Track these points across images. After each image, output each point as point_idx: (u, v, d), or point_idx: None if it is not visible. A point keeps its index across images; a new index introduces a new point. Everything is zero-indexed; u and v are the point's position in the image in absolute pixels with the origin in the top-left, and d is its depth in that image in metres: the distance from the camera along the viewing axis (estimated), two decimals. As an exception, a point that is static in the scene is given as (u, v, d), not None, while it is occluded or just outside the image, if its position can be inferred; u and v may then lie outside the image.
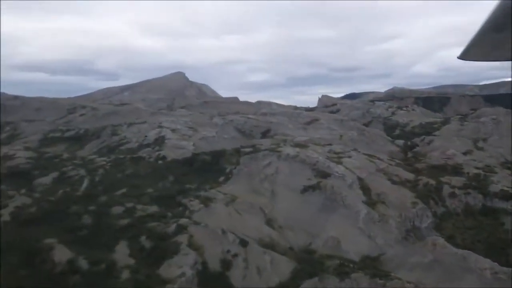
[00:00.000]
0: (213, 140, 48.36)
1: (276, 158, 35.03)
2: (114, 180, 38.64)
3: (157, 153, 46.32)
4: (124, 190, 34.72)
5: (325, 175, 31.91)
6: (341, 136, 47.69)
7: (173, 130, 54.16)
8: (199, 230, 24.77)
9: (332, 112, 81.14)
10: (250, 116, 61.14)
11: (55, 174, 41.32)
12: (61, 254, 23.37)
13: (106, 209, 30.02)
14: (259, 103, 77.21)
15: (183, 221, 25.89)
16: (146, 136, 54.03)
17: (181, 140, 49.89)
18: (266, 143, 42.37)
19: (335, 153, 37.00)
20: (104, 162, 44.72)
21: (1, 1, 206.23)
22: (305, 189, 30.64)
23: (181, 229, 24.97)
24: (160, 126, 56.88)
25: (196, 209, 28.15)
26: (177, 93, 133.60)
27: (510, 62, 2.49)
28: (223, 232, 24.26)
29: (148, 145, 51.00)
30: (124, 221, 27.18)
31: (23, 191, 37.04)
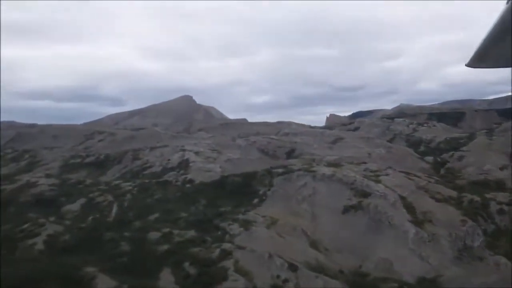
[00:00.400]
0: (239, 162, 47.89)
1: (312, 179, 34.37)
2: (144, 205, 38.15)
3: (183, 176, 45.94)
4: (156, 215, 34.18)
5: (365, 194, 31.12)
6: (369, 154, 46.94)
7: (197, 153, 53.90)
8: (244, 255, 24.00)
9: (350, 130, 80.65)
10: (273, 136, 60.83)
11: (82, 201, 40.99)
12: (104, 282, 22.69)
13: (142, 235, 29.41)
14: (280, 123, 77.04)
15: (226, 245, 25.16)
16: (169, 160, 53.81)
17: (206, 163, 49.51)
18: (296, 163, 41.74)
19: (371, 171, 36.25)
20: (130, 187, 44.36)
21: (2, 30, 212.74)
22: (346, 210, 29.83)
23: (226, 254, 24.23)
24: (182, 149, 56.68)
25: (237, 232, 27.43)
26: (186, 116, 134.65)
27: None
28: (270, 256, 23.46)
29: (172, 169, 50.69)
30: (164, 247, 26.51)
31: (52, 218, 36.64)
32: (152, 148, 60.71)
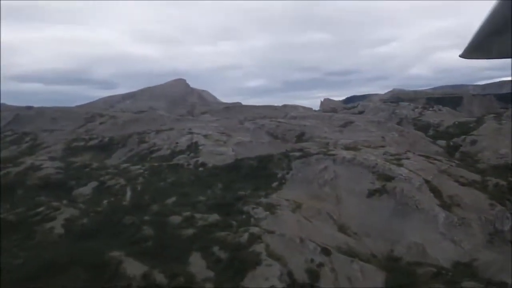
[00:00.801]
0: (250, 145, 47.24)
1: (332, 162, 33.88)
2: (158, 188, 37.51)
3: (194, 159, 45.26)
4: (173, 198, 33.56)
5: (388, 178, 30.72)
6: (383, 138, 46.52)
7: (205, 136, 53.10)
8: (274, 239, 23.57)
9: (354, 113, 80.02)
10: (280, 120, 60.13)
11: (93, 184, 40.24)
12: (133, 267, 22.19)
13: (163, 219, 28.85)
14: (285, 106, 76.22)
15: (254, 230, 24.68)
16: (177, 143, 52.98)
17: (216, 146, 48.78)
18: (312, 146, 41.22)
19: (391, 155, 35.83)
20: (141, 171, 43.63)
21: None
22: (371, 193, 29.44)
23: (255, 238, 23.76)
24: (190, 132, 55.81)
25: (262, 216, 26.95)
26: (180, 99, 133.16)
27: (509, 61, 2.44)
28: (301, 240, 23.05)
29: (181, 152, 49.93)
30: (188, 231, 26.00)
31: (64, 202, 35.91)
32: (158, 131, 59.74)
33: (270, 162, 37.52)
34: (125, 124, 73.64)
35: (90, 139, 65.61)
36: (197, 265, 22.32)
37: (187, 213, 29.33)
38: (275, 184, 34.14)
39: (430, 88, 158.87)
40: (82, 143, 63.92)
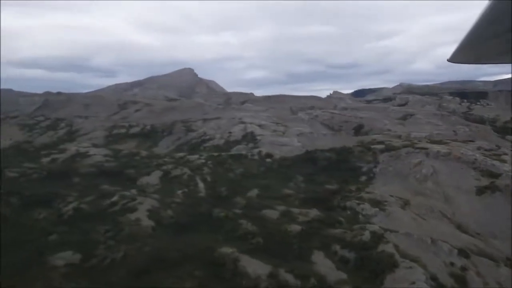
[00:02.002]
0: (313, 137, 45.51)
1: (425, 156, 32.04)
2: (231, 180, 35.89)
3: (256, 150, 43.58)
4: (255, 191, 31.91)
5: (493, 174, 28.90)
6: (454, 131, 44.57)
7: (260, 126, 51.36)
8: (400, 239, 21.86)
9: (401, 105, 77.84)
10: (333, 111, 58.24)
11: (158, 173, 38.64)
12: (253, 266, 20.59)
13: (257, 213, 27.24)
14: (330, 97, 74.23)
15: (374, 228, 22.98)
16: (230, 132, 51.31)
17: (275, 136, 47.07)
18: (384, 139, 39.36)
19: (485, 150, 33.96)
20: (203, 161, 41.97)
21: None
22: (481, 191, 27.64)
23: (378, 237, 22.06)
24: (242, 122, 54.07)
25: (371, 213, 25.25)
26: (188, 89, 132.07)
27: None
28: (433, 241, 21.31)
29: (237, 142, 48.29)
30: (294, 227, 24.34)
31: (133, 191, 34.36)
32: (205, 120, 58.02)
33: (350, 155, 35.73)
34: (162, 111, 72.11)
35: (131, 126, 64.09)
36: (323, 264, 20.67)
37: (282, 208, 27.70)
38: (363, 178, 32.35)
39: (439, 83, 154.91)
40: (123, 131, 62.43)
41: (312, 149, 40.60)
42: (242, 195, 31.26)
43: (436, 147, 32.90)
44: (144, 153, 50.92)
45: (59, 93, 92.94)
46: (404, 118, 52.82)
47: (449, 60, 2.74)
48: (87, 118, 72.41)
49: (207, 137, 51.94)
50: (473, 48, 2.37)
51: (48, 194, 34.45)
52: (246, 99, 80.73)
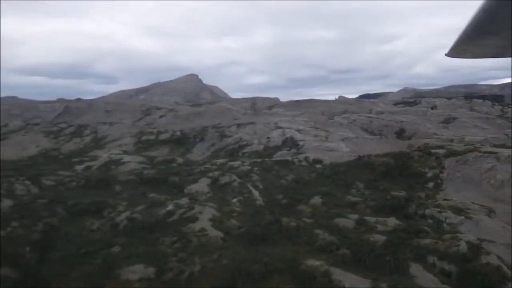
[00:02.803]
0: (359, 142, 44.22)
1: (496, 161, 30.66)
2: (285, 187, 34.64)
3: (301, 156, 42.33)
4: (317, 198, 30.61)
5: None
6: (506, 135, 43.14)
7: (299, 131, 50.15)
8: (501, 250, 20.45)
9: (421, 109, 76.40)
10: (370, 115, 56.97)
11: (206, 181, 37.42)
12: (349, 280, 19.25)
13: (330, 222, 25.94)
14: (360, 101, 73.00)
15: (468, 237, 21.59)
16: (268, 138, 50.11)
17: (318, 141, 45.81)
18: (435, 143, 38.02)
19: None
20: (248, 167, 40.74)
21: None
22: None
23: (476, 248, 20.66)
24: (278, 127, 52.89)
25: (456, 221, 23.87)
26: (193, 95, 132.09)
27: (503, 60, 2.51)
28: (540, 252, 19.87)
29: (278, 148, 47.11)
30: (378, 237, 22.99)
31: (185, 199, 33.15)
32: (239, 125, 56.87)
33: (409, 160, 34.37)
34: (189, 117, 71.19)
35: (159, 132, 63.13)
36: (425, 278, 19.28)
37: (354, 216, 26.39)
38: (430, 184, 30.99)
39: (442, 87, 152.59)
40: (152, 137, 61.48)
41: (362, 154, 39.27)
42: (304, 202, 29.96)
43: (506, 152, 31.51)
44: (180, 160, 49.84)
45: (78, 100, 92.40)
46: (447, 121, 51.46)
47: (447, 55, 2.73)
48: (112, 124, 71.57)
49: (244, 142, 50.77)
50: (471, 43, 2.35)
51: (95, 203, 33.38)
52: (272, 103, 79.67)
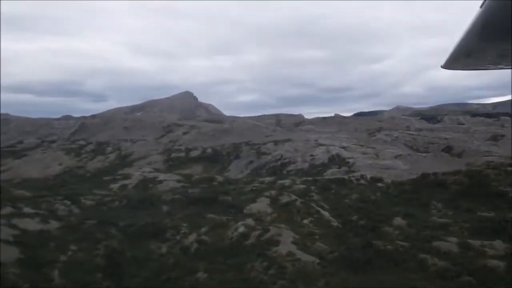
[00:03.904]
0: (412, 159, 42.88)
1: None
2: (354, 206, 32.90)
3: (356, 173, 40.79)
4: (400, 220, 28.91)
5: None
6: None
7: (345, 148, 48.71)
8: None
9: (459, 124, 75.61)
10: (412, 132, 55.85)
11: (265, 200, 35.62)
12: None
13: (426, 245, 24.21)
14: (393, 118, 72.06)
15: None
16: (312, 155, 48.55)
17: (368, 158, 44.37)
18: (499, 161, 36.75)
19: None
20: (302, 186, 39.06)
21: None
22: None
23: None
24: (320, 144, 51.41)
25: None
26: (189, 112, 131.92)
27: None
28: None
29: (325, 165, 45.54)
30: (495, 263, 21.28)
31: (250, 220, 31.27)
32: (276, 142, 55.31)
33: (485, 178, 32.95)
34: (214, 134, 69.68)
35: (188, 149, 61.42)
36: None
37: (452, 239, 24.71)
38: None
39: (436, 105, 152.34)
40: (181, 154, 59.75)
41: (420, 172, 37.87)
42: (386, 224, 28.23)
43: None
44: (219, 178, 48.06)
45: (93, 116, 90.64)
46: (495, 138, 50.32)
47: (443, 67, 2.77)
48: (134, 141, 69.73)
49: (286, 160, 49.19)
50: (466, 54, 2.38)
51: (151, 224, 31.53)
52: (297, 120, 78.46)
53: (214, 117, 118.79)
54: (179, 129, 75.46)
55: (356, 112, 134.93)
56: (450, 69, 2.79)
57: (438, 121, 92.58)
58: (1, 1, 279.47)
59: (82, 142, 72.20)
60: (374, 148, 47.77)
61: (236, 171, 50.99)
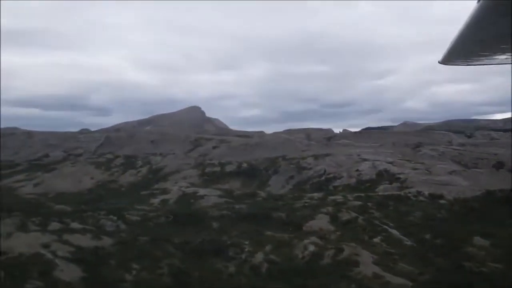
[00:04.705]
0: (468, 175, 41.35)
1: None
2: (422, 225, 31.39)
3: (411, 190, 39.30)
4: (479, 239, 27.35)
5: None
6: None
7: (392, 163, 47.31)
8: None
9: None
10: (456, 147, 54.38)
11: (325, 217, 34.23)
12: None
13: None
14: (428, 132, 70.67)
15: None
16: (358, 170, 47.17)
17: (420, 174, 42.89)
18: None
19: None
20: (358, 202, 37.60)
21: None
22: None
23: None
24: (363, 159, 50.04)
25: None
26: (198, 127, 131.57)
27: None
28: None
29: (374, 181, 44.11)
30: None
31: (314, 239, 29.84)
32: (316, 157, 54.03)
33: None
34: (246, 148, 68.61)
35: (222, 164, 60.28)
36: None
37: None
38: None
39: (442, 121, 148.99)
40: (216, 169, 58.62)
41: (482, 188, 36.33)
42: (466, 243, 26.70)
43: None
44: (262, 193, 46.76)
45: (117, 130, 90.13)
46: (547, 154, 48.64)
47: (440, 62, 2.78)
48: (164, 156, 68.77)
49: (330, 175, 47.84)
50: (463, 50, 2.41)
51: (210, 242, 30.23)
52: (327, 135, 77.29)
53: (222, 131, 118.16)
54: (208, 143, 74.50)
55: (364, 127, 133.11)
56: (448, 65, 2.76)
57: (469, 136, 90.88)
58: (9, 17, 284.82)
59: (109, 156, 71.45)
60: (423, 164, 46.31)
61: (277, 186, 49.70)
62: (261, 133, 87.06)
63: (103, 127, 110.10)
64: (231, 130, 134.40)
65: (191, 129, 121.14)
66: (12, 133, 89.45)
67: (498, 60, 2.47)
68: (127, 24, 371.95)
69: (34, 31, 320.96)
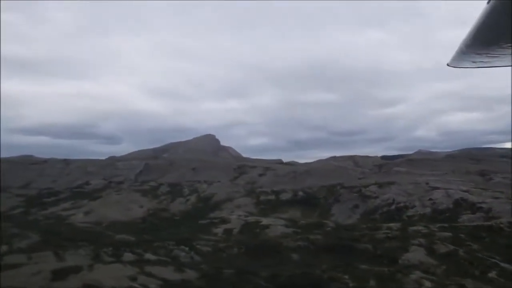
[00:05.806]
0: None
1: None
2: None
3: (501, 220, 37.01)
4: None
5: None
6: None
7: (467, 192, 45.08)
8: None
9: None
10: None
11: (420, 250, 32.11)
12: None
13: None
14: (485, 160, 68.32)
15: None
16: (431, 199, 45.00)
17: (506, 204, 40.54)
18: None
19: None
20: (449, 234, 35.37)
21: (2, 64, 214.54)
22: None
23: None
24: (433, 187, 47.89)
25: None
26: (212, 154, 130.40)
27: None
28: None
29: (451, 210, 41.89)
30: None
31: (418, 273, 27.76)
32: (380, 185, 52.02)
33: None
34: (295, 175, 67.02)
35: (275, 192, 58.62)
36: None
37: None
38: None
39: (457, 150, 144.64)
40: (271, 197, 56.98)
41: None
42: None
43: None
44: (329, 223, 44.78)
45: (156, 157, 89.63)
46: None
47: (449, 65, 2.72)
48: (210, 183, 67.42)
49: (400, 204, 45.72)
50: (473, 52, 2.39)
51: (301, 276, 28.44)
52: (375, 162, 75.30)
53: (240, 159, 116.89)
54: (252, 171, 73.13)
55: (381, 155, 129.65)
56: (457, 67, 2.66)
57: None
58: (20, 46, 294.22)
59: (153, 183, 70.45)
60: (502, 192, 44.01)
61: (342, 216, 47.69)
62: (293, 162, 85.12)
63: (111, 155, 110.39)
64: (248, 158, 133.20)
65: (205, 156, 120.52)
66: (45, 161, 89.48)
67: (509, 64, 2.40)
68: (136, 52, 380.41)
69: (43, 60, 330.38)
